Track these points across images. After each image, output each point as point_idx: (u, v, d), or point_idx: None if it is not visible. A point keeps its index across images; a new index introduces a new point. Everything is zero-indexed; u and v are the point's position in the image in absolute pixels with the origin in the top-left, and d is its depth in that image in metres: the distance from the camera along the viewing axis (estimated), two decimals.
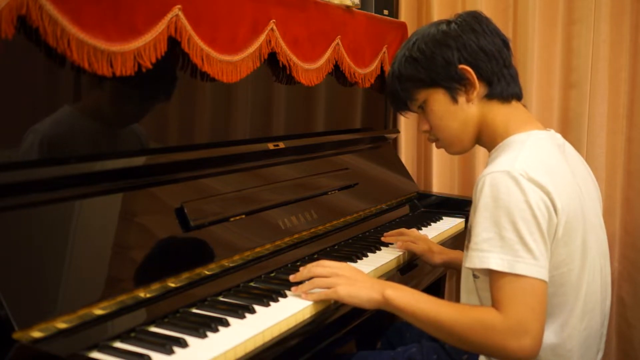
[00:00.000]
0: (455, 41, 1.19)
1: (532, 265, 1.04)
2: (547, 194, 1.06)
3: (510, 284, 1.04)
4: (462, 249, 1.28)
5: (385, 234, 1.69)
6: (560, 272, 1.11)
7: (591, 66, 2.17)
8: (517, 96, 1.24)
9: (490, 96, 1.21)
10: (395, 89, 1.29)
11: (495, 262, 1.05)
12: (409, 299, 1.13)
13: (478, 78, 1.19)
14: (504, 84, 1.20)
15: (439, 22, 1.25)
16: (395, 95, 1.30)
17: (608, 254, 1.27)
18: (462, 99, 1.21)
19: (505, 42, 1.23)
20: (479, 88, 1.20)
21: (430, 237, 1.77)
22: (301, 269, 1.27)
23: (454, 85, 1.20)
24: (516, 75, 1.25)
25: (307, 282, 1.24)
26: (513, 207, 1.05)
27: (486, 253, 1.06)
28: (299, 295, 1.24)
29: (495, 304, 1.06)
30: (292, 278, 1.28)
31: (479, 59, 1.18)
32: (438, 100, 1.23)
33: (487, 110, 1.22)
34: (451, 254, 1.57)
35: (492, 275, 1.07)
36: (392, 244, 1.66)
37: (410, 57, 1.24)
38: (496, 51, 1.19)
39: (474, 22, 1.21)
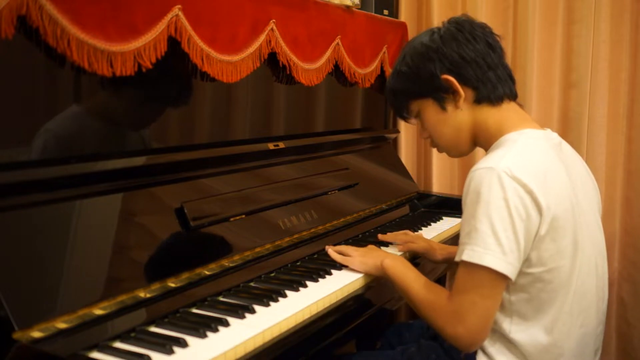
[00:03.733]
0: (437, 53, 1.23)
1: (499, 259, 1.06)
2: (529, 192, 1.08)
3: (467, 273, 1.10)
4: None
5: (381, 236, 1.72)
6: (549, 269, 1.12)
7: (591, 66, 2.17)
8: (509, 96, 1.25)
9: (478, 101, 1.23)
10: (392, 101, 1.37)
11: (467, 253, 1.09)
12: (399, 270, 1.30)
13: (462, 85, 1.22)
14: (490, 88, 1.22)
15: (427, 33, 1.28)
16: (394, 107, 1.39)
17: (605, 253, 1.27)
18: (450, 107, 1.25)
19: (490, 45, 1.23)
20: (465, 94, 1.22)
21: (430, 237, 1.77)
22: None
23: (441, 95, 1.24)
24: (505, 75, 1.25)
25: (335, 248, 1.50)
26: (491, 202, 1.07)
27: (464, 246, 1.10)
28: (299, 295, 1.25)
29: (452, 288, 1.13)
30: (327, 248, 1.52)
31: (460, 67, 1.21)
32: (429, 110, 1.28)
33: (478, 114, 1.24)
34: (451, 249, 1.60)
35: (460, 264, 1.12)
36: (392, 243, 1.68)
37: (400, 71, 1.30)
38: (478, 56, 1.21)
39: (456, 30, 1.23)
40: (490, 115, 1.23)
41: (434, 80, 1.23)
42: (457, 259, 1.12)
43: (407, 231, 1.74)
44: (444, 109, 1.25)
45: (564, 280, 1.13)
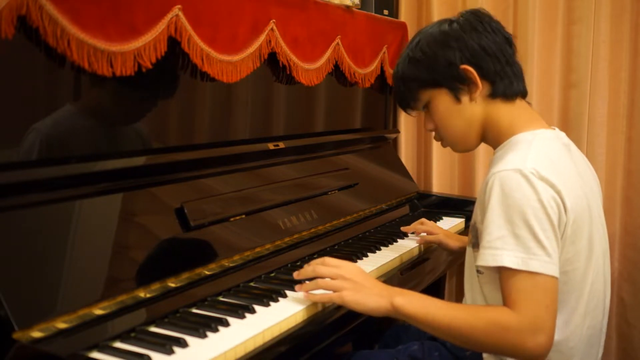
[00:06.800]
0: (457, 41, 1.19)
1: (545, 262, 1.04)
2: (558, 192, 1.06)
3: (524, 281, 1.04)
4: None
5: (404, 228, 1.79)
6: (565, 271, 1.10)
7: (591, 66, 2.16)
8: (522, 94, 1.24)
9: (493, 95, 1.20)
10: (400, 89, 1.30)
11: (510, 259, 1.04)
12: (420, 306, 1.11)
13: (481, 77, 1.19)
14: (507, 83, 1.20)
15: (442, 22, 1.25)
16: (401, 95, 1.31)
17: (609, 251, 1.27)
18: (465, 99, 1.21)
19: (507, 40, 1.22)
20: (482, 87, 1.19)
21: None
22: (305, 266, 1.24)
23: (457, 85, 1.20)
24: (520, 72, 1.24)
25: (311, 282, 1.21)
26: (525, 205, 1.05)
27: (500, 251, 1.06)
28: (299, 295, 1.23)
29: (508, 302, 1.05)
30: (295, 275, 1.26)
31: (480, 59, 1.18)
32: (442, 100, 1.23)
33: (490, 109, 1.21)
34: (465, 239, 1.62)
35: (505, 273, 1.06)
36: (390, 243, 1.70)
37: (414, 58, 1.24)
38: (498, 50, 1.19)
39: (475, 21, 1.21)
40: (503, 111, 1.21)
41: (452, 70, 1.19)
42: (492, 263, 1.06)
43: (424, 219, 1.77)
44: (458, 99, 1.21)
45: (578, 282, 1.13)
